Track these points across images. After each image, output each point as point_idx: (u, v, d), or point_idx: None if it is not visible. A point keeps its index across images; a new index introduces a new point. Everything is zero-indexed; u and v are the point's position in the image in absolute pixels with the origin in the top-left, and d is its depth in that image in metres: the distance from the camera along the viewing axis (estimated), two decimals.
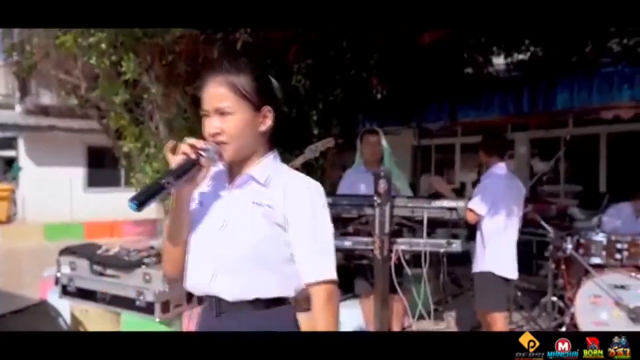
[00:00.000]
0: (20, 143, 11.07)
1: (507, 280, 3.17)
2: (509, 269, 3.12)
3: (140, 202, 1.13)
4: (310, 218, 1.22)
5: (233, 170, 1.29)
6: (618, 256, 3.89)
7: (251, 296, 1.21)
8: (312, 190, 1.25)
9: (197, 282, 1.27)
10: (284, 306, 1.28)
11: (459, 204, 2.94)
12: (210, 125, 1.21)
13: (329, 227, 1.25)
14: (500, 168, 3.24)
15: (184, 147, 1.18)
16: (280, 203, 1.22)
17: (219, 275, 1.22)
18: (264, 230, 1.20)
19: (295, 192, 1.23)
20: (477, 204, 3.11)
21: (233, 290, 1.22)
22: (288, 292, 1.27)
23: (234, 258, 1.21)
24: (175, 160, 1.19)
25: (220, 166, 1.29)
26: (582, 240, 4.07)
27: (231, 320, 1.23)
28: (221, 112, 1.19)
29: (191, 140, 1.18)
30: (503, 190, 3.15)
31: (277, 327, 1.25)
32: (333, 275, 1.23)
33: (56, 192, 11.02)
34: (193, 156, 1.17)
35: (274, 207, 1.21)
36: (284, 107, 1.33)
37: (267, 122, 1.25)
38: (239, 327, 1.22)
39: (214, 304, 1.25)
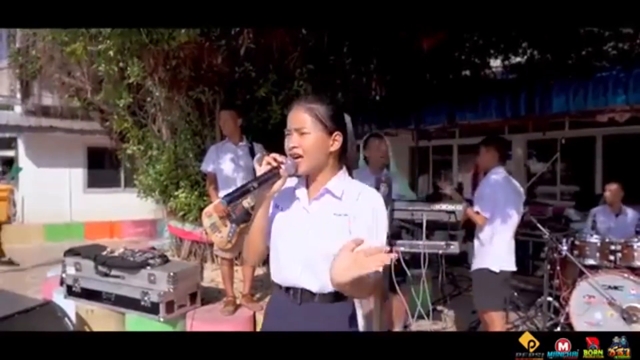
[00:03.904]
0: (20, 143, 11.06)
1: (504, 278, 3.24)
2: (505, 262, 3.20)
3: (230, 199, 1.41)
4: (370, 220, 1.44)
5: (310, 184, 1.54)
6: (612, 257, 4.00)
7: (331, 289, 1.43)
8: (377, 199, 1.48)
9: (286, 275, 1.52)
10: (347, 302, 1.51)
11: (457, 207, 3.02)
12: (291, 140, 1.48)
13: (384, 232, 1.47)
14: (499, 171, 3.31)
15: (268, 159, 1.45)
16: (352, 209, 1.45)
17: (305, 272, 1.48)
18: (345, 236, 1.41)
19: (366, 199, 1.47)
20: (483, 208, 3.19)
21: (318, 284, 1.46)
22: None
23: (320, 259, 1.44)
24: (260, 170, 1.45)
25: (295, 180, 1.56)
26: (576, 242, 4.17)
27: (310, 308, 1.49)
28: (301, 132, 1.46)
29: (274, 155, 1.46)
30: (505, 193, 3.23)
31: (344, 315, 1.51)
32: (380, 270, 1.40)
33: (56, 193, 11.02)
34: (275, 165, 1.44)
35: (349, 215, 1.45)
36: (352, 136, 1.56)
37: (336, 145, 1.49)
38: (316, 314, 1.49)
39: (299, 294, 1.50)
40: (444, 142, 10.29)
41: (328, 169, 1.50)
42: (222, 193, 3.81)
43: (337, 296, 1.47)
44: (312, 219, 1.48)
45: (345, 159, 1.55)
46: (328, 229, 1.44)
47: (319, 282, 1.46)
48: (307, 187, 1.54)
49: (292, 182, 1.56)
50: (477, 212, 3.21)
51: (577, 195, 8.35)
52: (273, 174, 1.44)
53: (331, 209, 1.47)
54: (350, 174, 1.57)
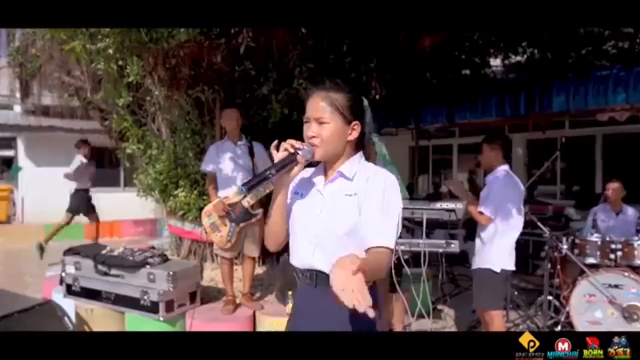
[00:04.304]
0: (20, 143, 11.06)
1: (504, 277, 3.23)
2: (507, 262, 3.19)
3: (250, 186, 1.44)
4: (381, 198, 1.43)
5: (327, 169, 1.56)
6: (612, 256, 3.99)
7: None
8: (388, 179, 1.48)
9: (301, 257, 1.54)
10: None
11: (457, 205, 3.01)
12: (310, 129, 1.49)
13: (396, 211, 1.45)
14: (504, 170, 3.27)
15: (285, 145, 1.46)
16: (362, 189, 1.46)
17: (317, 253, 1.49)
18: (355, 216, 1.44)
19: (375, 179, 1.47)
20: (488, 208, 3.16)
21: (329, 264, 1.37)
22: None
23: (330, 239, 1.47)
24: (277, 156, 1.46)
25: (313, 167, 1.59)
26: (577, 241, 4.16)
27: (324, 290, 1.41)
28: (320, 121, 1.47)
29: (291, 141, 1.46)
30: (509, 193, 3.19)
31: None
32: (391, 245, 1.40)
33: (55, 193, 11.00)
34: (292, 151, 1.44)
35: (359, 194, 1.46)
36: (370, 121, 1.58)
37: (355, 134, 1.51)
38: (331, 296, 1.41)
39: (314, 277, 1.52)
40: (444, 142, 10.30)
41: (345, 155, 1.53)
42: (221, 192, 3.80)
43: None
44: (326, 200, 1.51)
45: (362, 145, 1.57)
46: (339, 209, 1.47)
47: (330, 263, 1.42)
48: (325, 173, 1.57)
49: (311, 169, 1.59)
50: (481, 212, 3.17)
51: (577, 194, 8.35)
52: (290, 160, 1.45)
53: (343, 189, 1.49)
54: (367, 158, 1.57)
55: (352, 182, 1.49)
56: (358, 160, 1.54)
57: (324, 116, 1.46)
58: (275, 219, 1.57)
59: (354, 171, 1.51)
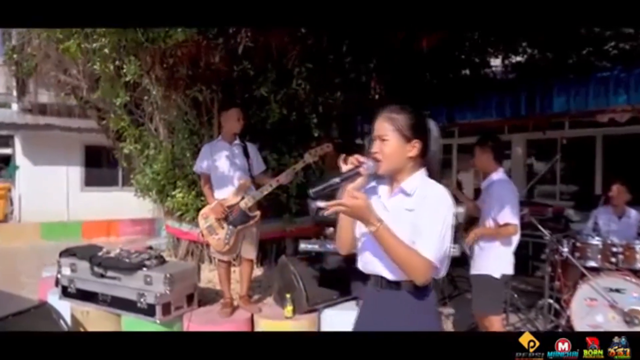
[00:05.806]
0: (17, 142, 11.02)
1: (504, 282, 3.20)
2: (506, 267, 3.16)
3: (317, 193, 1.56)
4: (433, 213, 1.56)
5: (392, 183, 1.70)
6: (613, 260, 3.95)
7: (405, 277, 1.58)
8: (443, 197, 1.60)
9: (366, 263, 1.70)
10: (427, 288, 1.63)
11: (458, 209, 2.96)
12: (374, 146, 1.66)
13: (441, 228, 1.56)
14: (502, 173, 3.22)
15: (351, 159, 1.62)
16: (419, 205, 1.59)
17: (381, 260, 1.63)
18: (413, 230, 1.57)
19: (432, 196, 1.60)
20: (511, 216, 3.06)
21: (392, 271, 1.61)
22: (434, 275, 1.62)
23: None
24: (344, 168, 1.61)
25: (381, 179, 1.74)
26: (578, 244, 4.12)
27: (389, 294, 1.64)
28: (382, 139, 1.64)
29: (357, 156, 1.62)
30: (514, 196, 3.15)
31: (422, 302, 1.62)
32: (430, 256, 1.53)
33: (53, 191, 11.00)
34: (357, 164, 1.59)
35: (415, 210, 1.59)
36: (437, 140, 1.70)
37: (415, 151, 1.64)
38: (395, 300, 1.62)
39: (379, 281, 1.67)
40: (444, 142, 10.25)
41: (407, 170, 1.66)
42: (217, 193, 3.75)
43: (412, 284, 1.58)
44: (388, 213, 1.63)
45: (426, 162, 1.69)
46: (398, 222, 1.58)
47: (391, 270, 1.61)
48: (390, 186, 1.72)
49: (379, 181, 1.75)
50: (507, 224, 3.06)
51: (577, 196, 8.33)
52: (355, 172, 1.59)
53: (403, 205, 1.63)
54: (433, 176, 1.69)
55: (412, 198, 1.62)
56: (420, 176, 1.66)
57: (385, 134, 1.63)
58: (344, 225, 1.73)
59: (415, 188, 1.63)
